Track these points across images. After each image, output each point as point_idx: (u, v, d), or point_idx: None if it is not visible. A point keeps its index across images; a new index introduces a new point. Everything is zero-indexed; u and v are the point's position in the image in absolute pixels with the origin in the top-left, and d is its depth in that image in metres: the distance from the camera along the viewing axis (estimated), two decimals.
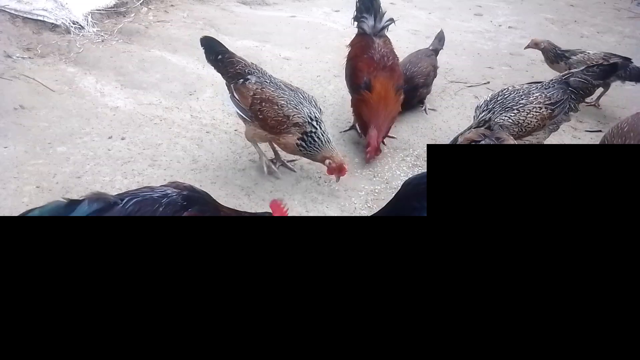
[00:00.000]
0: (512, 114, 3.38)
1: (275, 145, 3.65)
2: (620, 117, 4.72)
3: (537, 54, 6.13)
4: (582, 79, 3.50)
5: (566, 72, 3.62)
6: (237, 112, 3.46)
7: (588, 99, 4.84)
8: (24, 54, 4.91)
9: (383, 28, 4.01)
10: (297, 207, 3.38)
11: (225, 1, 7.08)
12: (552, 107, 3.43)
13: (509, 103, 3.42)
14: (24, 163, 3.55)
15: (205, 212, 2.49)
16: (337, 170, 3.33)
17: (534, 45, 4.94)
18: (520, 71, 5.62)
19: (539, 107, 3.40)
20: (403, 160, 3.96)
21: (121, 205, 2.24)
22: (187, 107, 4.45)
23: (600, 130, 4.47)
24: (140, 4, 6.25)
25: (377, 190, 3.60)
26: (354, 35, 4.18)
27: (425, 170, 3.40)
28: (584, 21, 7.35)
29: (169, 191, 2.39)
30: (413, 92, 4.41)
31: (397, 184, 3.67)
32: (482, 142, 2.96)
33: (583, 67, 3.60)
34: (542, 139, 3.57)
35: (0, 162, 3.53)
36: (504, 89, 3.58)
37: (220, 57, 3.42)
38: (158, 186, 2.47)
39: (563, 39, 6.70)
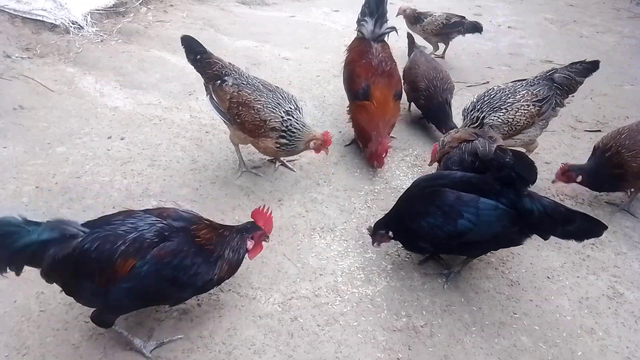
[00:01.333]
0: (501, 114, 3.38)
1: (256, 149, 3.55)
2: (620, 117, 4.73)
3: (537, 54, 6.15)
4: (566, 75, 3.52)
5: (550, 69, 3.65)
6: (217, 114, 3.42)
7: (437, 52, 5.66)
8: (23, 54, 4.90)
9: (382, 35, 3.94)
10: (297, 207, 3.38)
11: (225, 1, 7.08)
12: (540, 104, 3.45)
13: (496, 103, 3.42)
14: (23, 163, 3.54)
15: (177, 252, 2.17)
16: (324, 143, 3.33)
17: (402, 12, 5.64)
18: (519, 71, 5.61)
19: (526, 104, 3.41)
20: (402, 160, 3.96)
21: (79, 240, 2.07)
22: (186, 107, 4.45)
23: (599, 130, 4.47)
24: (140, 4, 6.25)
25: (376, 190, 3.60)
26: (353, 39, 4.13)
27: (435, 172, 3.37)
28: (583, 21, 7.35)
29: (141, 223, 2.18)
30: (445, 101, 4.23)
31: (397, 184, 3.67)
32: (475, 141, 2.94)
33: (567, 64, 3.62)
34: (533, 136, 3.58)
35: (0, 162, 3.53)
36: (490, 89, 3.59)
37: (198, 57, 3.37)
38: (139, 212, 2.28)
39: (562, 38, 6.71)
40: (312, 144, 3.32)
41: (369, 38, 3.92)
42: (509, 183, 2.45)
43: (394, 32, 4.00)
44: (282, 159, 3.76)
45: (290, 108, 3.26)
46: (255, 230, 2.49)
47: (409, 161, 3.95)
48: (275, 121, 3.20)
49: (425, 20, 5.45)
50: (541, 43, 6.51)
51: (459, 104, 4.83)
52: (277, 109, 3.22)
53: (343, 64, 4.10)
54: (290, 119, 3.22)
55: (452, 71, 5.46)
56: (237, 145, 3.58)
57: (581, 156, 4.10)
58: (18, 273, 2.09)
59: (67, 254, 2.05)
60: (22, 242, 2.01)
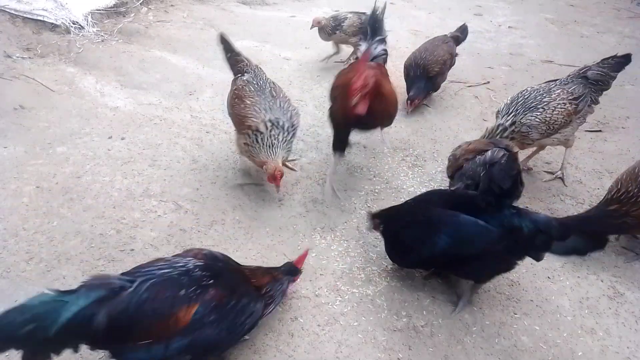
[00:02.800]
0: (538, 113, 3.36)
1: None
2: (620, 117, 4.72)
3: (537, 54, 6.15)
4: (600, 71, 3.56)
5: (583, 67, 3.67)
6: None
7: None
8: (23, 54, 4.90)
9: (377, 57, 3.56)
10: (297, 207, 3.38)
11: (225, 1, 7.08)
12: (576, 102, 3.46)
13: (531, 103, 3.41)
14: (23, 163, 3.55)
15: (233, 289, 2.07)
16: (271, 178, 3.13)
17: (317, 23, 5.11)
18: (520, 71, 5.62)
19: (562, 103, 3.41)
20: (403, 160, 3.96)
21: (132, 289, 1.82)
22: (187, 107, 4.45)
23: (600, 130, 4.47)
24: (140, 4, 6.25)
25: (377, 190, 3.59)
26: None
27: (436, 189, 3.31)
28: (583, 21, 7.35)
29: (190, 265, 2.00)
30: (431, 82, 4.47)
31: (397, 184, 3.67)
32: (490, 151, 2.76)
33: (599, 61, 3.64)
34: (569, 135, 3.57)
35: (0, 162, 3.53)
36: (523, 90, 3.55)
37: (229, 55, 3.64)
38: (172, 257, 2.11)
39: (563, 38, 6.71)
40: (264, 167, 3.14)
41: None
42: (493, 195, 2.38)
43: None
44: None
45: (277, 122, 3.11)
46: (297, 274, 2.61)
47: (409, 161, 3.95)
48: (252, 120, 3.13)
49: (344, 24, 5.01)
50: (542, 43, 6.51)
51: (459, 104, 4.86)
52: (262, 112, 3.14)
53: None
54: (265, 132, 3.07)
55: (453, 70, 5.46)
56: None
57: (581, 156, 4.10)
58: (76, 350, 1.84)
59: (123, 309, 1.77)
60: (67, 314, 1.70)
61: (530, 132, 3.37)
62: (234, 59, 3.61)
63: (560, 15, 7.56)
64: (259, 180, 3.56)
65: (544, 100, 3.40)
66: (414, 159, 3.98)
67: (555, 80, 3.64)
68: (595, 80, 3.55)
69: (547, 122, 3.36)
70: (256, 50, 5.66)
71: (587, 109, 3.58)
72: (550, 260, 3.07)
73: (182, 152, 3.83)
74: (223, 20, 6.40)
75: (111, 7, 5.95)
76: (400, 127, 4.39)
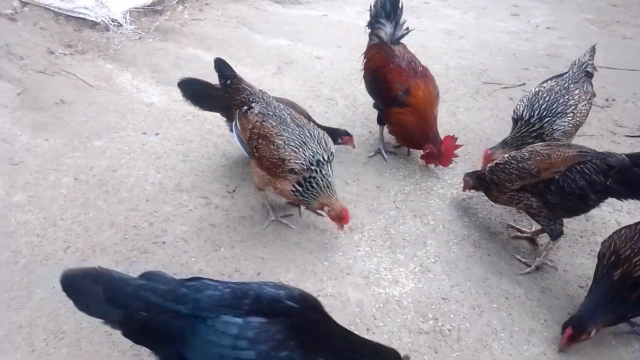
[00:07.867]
0: (569, 118, 3.21)
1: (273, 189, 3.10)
2: None
3: (576, 56, 5.94)
4: (593, 66, 3.60)
5: (582, 62, 3.57)
6: (239, 144, 3.12)
7: None
8: (65, 51, 5.09)
9: (402, 37, 3.77)
10: None
11: (259, 0, 7.15)
12: (591, 101, 3.43)
13: (558, 107, 3.23)
14: (62, 155, 3.68)
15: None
16: (337, 218, 2.89)
17: None
18: (557, 73, 5.45)
19: (584, 104, 3.33)
20: None
21: None
22: None
23: None
24: (177, 2, 6.38)
25: (406, 191, 3.57)
26: (368, 45, 3.91)
27: None
28: (626, 22, 7.07)
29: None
30: None
31: (427, 185, 3.63)
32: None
33: (587, 54, 3.65)
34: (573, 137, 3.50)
35: (41, 154, 3.68)
36: (538, 92, 3.40)
37: (229, 82, 3.12)
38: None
39: (603, 40, 6.48)
40: (325, 209, 2.89)
41: (387, 41, 3.76)
42: None
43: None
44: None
45: (321, 159, 2.83)
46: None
47: None
48: (295, 162, 2.78)
49: None
50: (581, 44, 6.29)
51: (493, 106, 4.76)
52: (300, 149, 2.80)
53: (363, 71, 3.92)
54: (317, 174, 2.81)
55: (487, 71, 5.36)
56: (263, 190, 3.22)
57: None
58: None
59: None
60: None
61: (562, 139, 3.25)
62: (235, 87, 3.08)
63: (601, 16, 7.30)
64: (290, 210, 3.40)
65: (570, 103, 3.25)
66: None
67: (563, 75, 3.54)
68: (592, 76, 3.57)
69: (576, 126, 3.30)
70: (288, 48, 5.69)
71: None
72: (583, 268, 2.98)
73: (214, 149, 3.90)
74: (256, 19, 6.47)
75: (148, 6, 6.11)
76: None
